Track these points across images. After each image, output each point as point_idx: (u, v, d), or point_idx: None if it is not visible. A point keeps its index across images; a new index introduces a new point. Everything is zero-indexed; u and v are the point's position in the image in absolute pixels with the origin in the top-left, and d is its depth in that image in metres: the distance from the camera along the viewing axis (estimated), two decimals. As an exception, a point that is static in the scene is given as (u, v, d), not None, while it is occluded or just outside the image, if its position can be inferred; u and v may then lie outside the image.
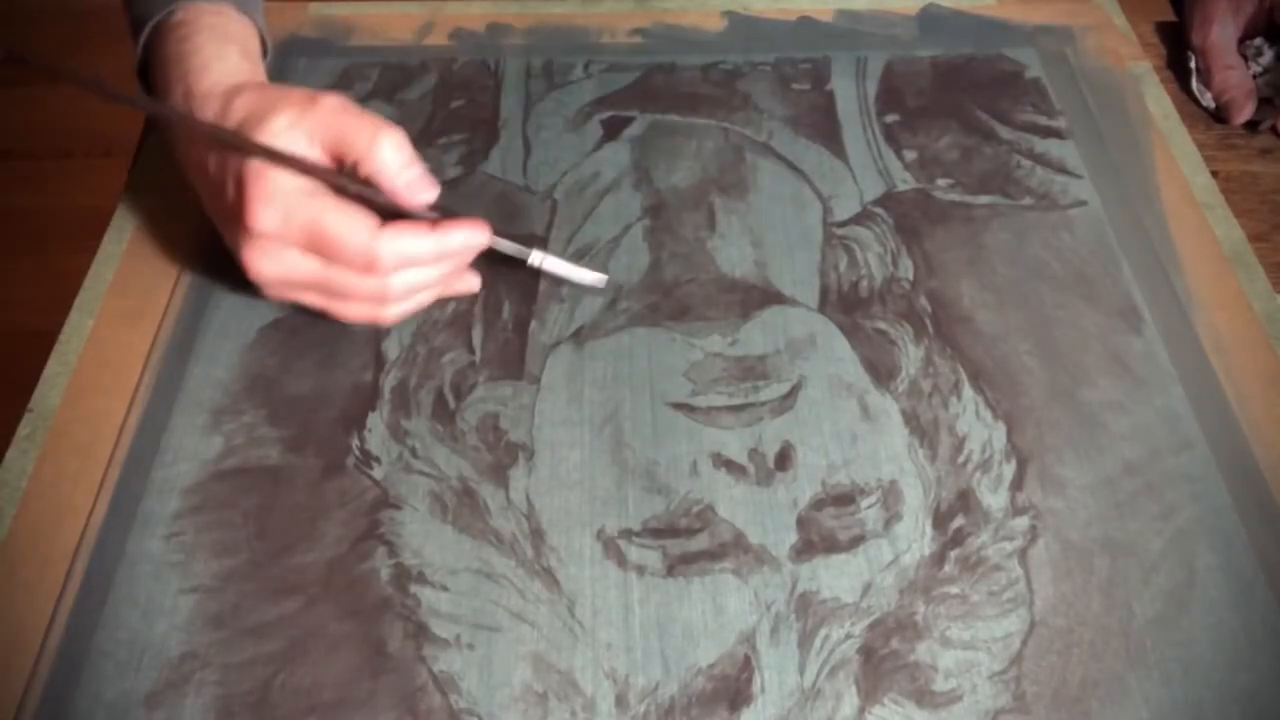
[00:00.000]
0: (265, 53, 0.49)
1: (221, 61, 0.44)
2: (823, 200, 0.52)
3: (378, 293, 0.42)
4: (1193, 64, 0.59)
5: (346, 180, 0.41)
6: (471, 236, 0.43)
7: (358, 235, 0.40)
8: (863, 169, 0.53)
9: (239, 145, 0.40)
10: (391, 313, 0.44)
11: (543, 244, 0.49)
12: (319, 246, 0.40)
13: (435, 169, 0.52)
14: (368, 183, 0.41)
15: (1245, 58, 0.58)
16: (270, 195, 0.39)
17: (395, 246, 0.40)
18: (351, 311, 0.43)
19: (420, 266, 0.42)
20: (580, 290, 0.47)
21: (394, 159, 0.41)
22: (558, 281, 0.47)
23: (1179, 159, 0.54)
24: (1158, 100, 0.57)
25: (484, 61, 0.58)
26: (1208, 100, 0.58)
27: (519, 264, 0.46)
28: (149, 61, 0.47)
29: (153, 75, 0.47)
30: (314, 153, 0.41)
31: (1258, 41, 0.58)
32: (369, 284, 0.42)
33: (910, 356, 0.45)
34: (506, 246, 0.45)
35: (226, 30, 0.46)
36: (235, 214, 0.40)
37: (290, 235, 0.40)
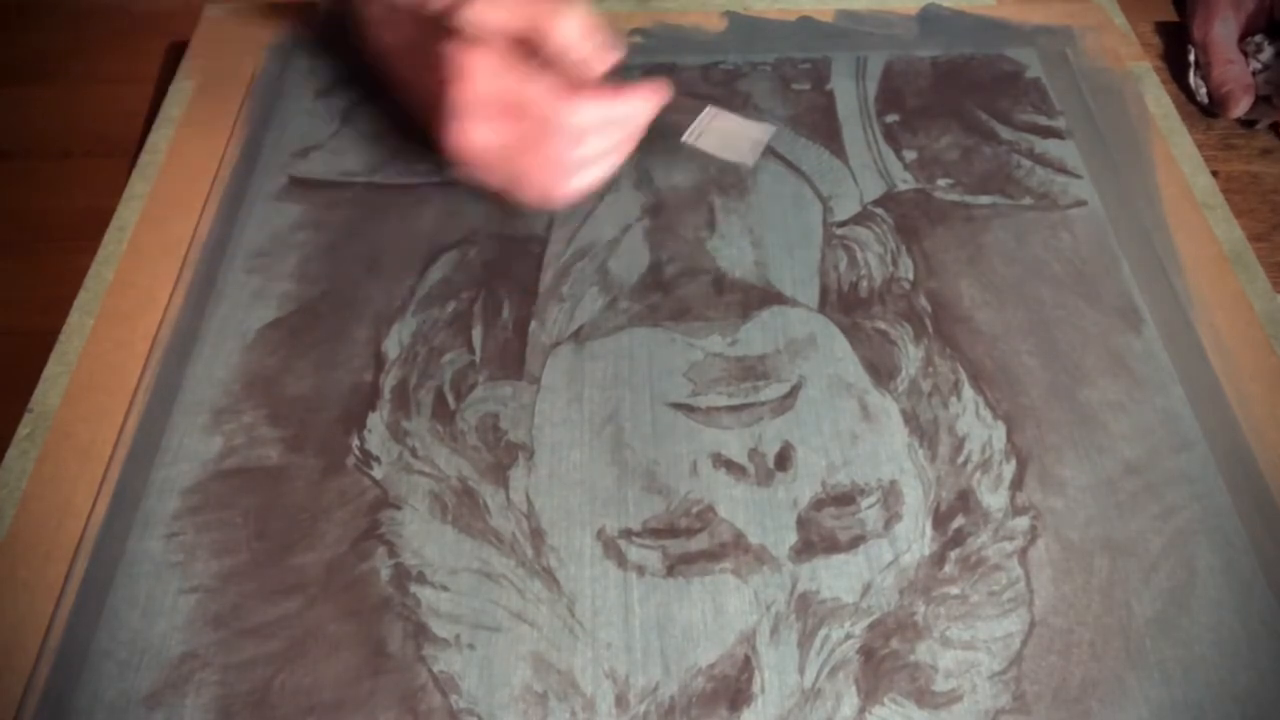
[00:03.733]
0: None
1: None
2: (823, 200, 0.51)
3: (556, 159, 0.44)
4: (1192, 57, 0.59)
5: (540, 55, 0.43)
6: (644, 103, 0.45)
7: (544, 99, 0.42)
8: (863, 169, 0.53)
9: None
10: (566, 185, 0.45)
11: (542, 244, 0.49)
12: (515, 112, 0.42)
13: (436, 170, 0.52)
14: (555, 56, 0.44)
15: (1245, 54, 0.58)
16: (474, 70, 0.42)
17: (578, 111, 0.43)
18: (531, 184, 0.45)
19: (596, 133, 0.44)
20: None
21: (576, 32, 0.43)
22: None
23: (1179, 159, 0.54)
24: (1158, 100, 0.57)
25: (484, 61, 0.58)
26: (1203, 95, 0.58)
27: (519, 264, 0.46)
28: None
29: None
30: (511, 26, 0.43)
31: (1258, 38, 0.58)
32: (548, 151, 0.43)
33: (910, 356, 0.45)
34: (683, 105, 0.46)
35: None
36: (442, 90, 0.42)
37: (492, 105, 0.42)
